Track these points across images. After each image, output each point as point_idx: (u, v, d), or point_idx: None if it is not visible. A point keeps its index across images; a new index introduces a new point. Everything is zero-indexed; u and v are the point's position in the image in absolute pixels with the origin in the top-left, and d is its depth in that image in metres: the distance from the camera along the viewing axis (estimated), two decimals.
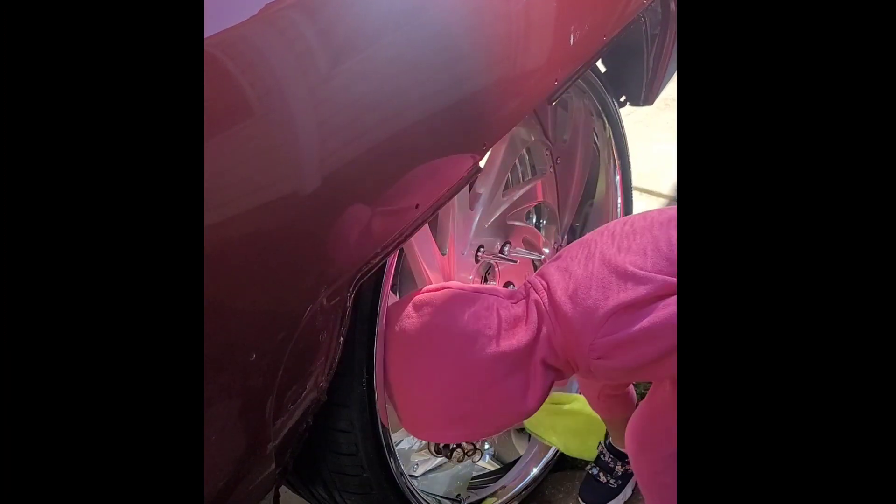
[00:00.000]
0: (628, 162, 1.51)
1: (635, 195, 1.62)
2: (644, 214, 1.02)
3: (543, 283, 0.98)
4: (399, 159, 0.81)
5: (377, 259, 0.81)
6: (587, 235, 1.04)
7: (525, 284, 1.00)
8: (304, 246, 0.73)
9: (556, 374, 0.99)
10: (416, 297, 0.97)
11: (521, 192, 1.30)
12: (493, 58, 0.91)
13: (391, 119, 0.78)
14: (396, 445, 1.20)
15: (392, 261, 0.94)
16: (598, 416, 1.30)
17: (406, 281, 1.16)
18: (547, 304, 0.96)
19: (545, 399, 1.01)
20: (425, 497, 1.09)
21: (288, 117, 0.66)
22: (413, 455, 1.30)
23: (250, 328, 0.69)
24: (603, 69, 1.48)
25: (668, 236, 0.96)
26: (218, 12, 0.59)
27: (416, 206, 0.84)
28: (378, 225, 0.80)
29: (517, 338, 0.94)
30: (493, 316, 0.94)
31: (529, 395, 0.96)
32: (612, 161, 1.48)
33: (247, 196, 0.64)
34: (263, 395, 0.73)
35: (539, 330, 0.95)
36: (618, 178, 1.50)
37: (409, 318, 0.95)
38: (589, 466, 1.38)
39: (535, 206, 1.49)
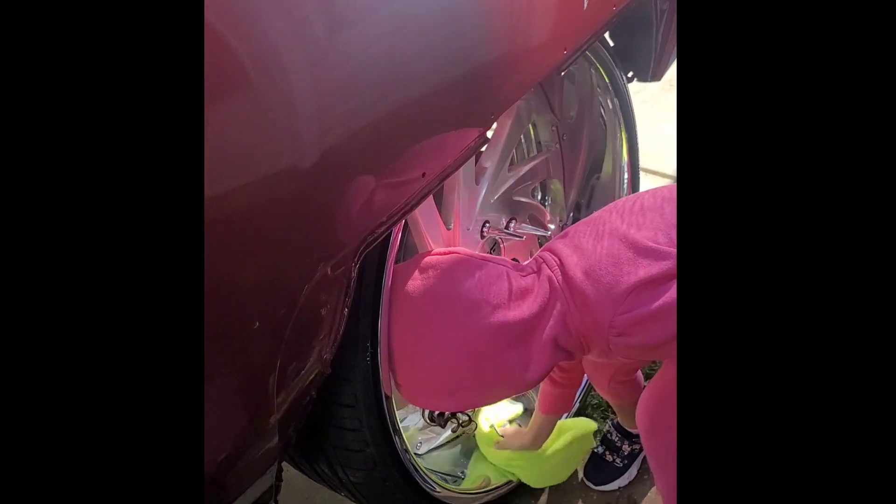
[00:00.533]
0: (635, 136, 1.48)
1: (640, 176, 1.60)
2: (652, 192, 1.00)
3: (555, 258, 0.96)
4: (406, 128, 0.78)
5: (383, 228, 0.79)
6: (593, 214, 1.02)
7: (536, 259, 0.98)
8: (309, 215, 0.71)
9: (566, 355, 0.98)
10: (423, 259, 0.95)
11: (527, 167, 1.28)
12: (502, 27, 0.88)
13: (398, 88, 0.75)
14: (400, 423, 1.19)
15: (397, 233, 0.92)
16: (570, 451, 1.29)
17: (410, 255, 1.14)
18: (561, 281, 0.94)
19: (547, 375, 1.00)
20: (430, 474, 1.08)
21: (291, 87, 0.64)
22: (417, 434, 1.29)
23: (253, 296, 0.67)
24: (611, 43, 1.46)
25: (661, 211, 0.95)
26: None
27: (423, 175, 0.82)
28: (384, 194, 0.78)
29: (522, 309, 0.92)
30: (500, 285, 0.92)
31: (531, 368, 0.94)
32: (619, 136, 1.46)
33: (252, 166, 0.62)
34: (266, 366, 0.71)
35: (551, 307, 0.93)
36: (625, 152, 1.47)
37: (414, 281, 0.93)
38: (595, 446, 1.37)
39: (541, 183, 1.46)
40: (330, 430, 0.95)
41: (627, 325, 0.91)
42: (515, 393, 1.05)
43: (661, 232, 0.93)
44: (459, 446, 1.35)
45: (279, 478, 0.88)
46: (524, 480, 1.28)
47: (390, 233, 0.88)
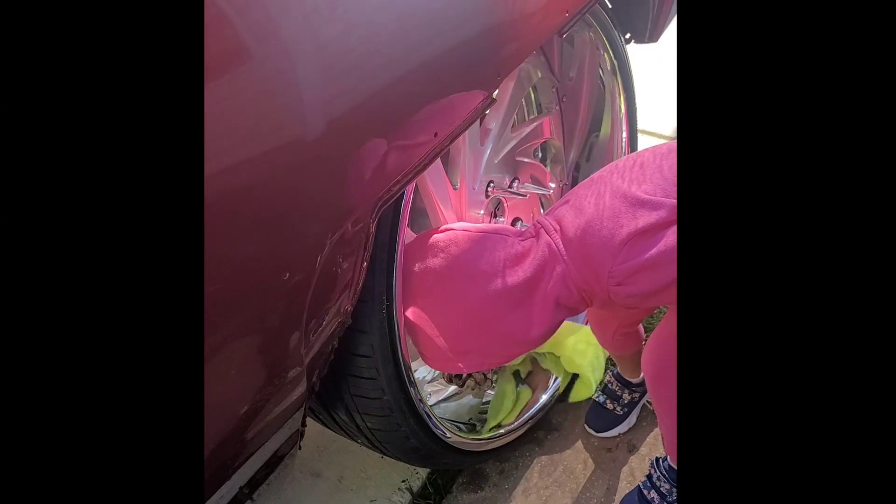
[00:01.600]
0: (633, 95, 1.52)
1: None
2: (651, 149, 1.04)
3: (555, 224, 1.00)
4: (417, 89, 0.82)
5: (398, 186, 0.84)
6: (593, 175, 1.06)
7: (535, 224, 1.03)
8: (331, 174, 0.75)
9: (569, 311, 1.03)
10: (427, 239, 1.02)
11: (530, 128, 1.32)
12: None
13: (409, 51, 0.79)
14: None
15: (409, 193, 0.96)
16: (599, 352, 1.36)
17: (418, 217, 1.19)
18: (560, 245, 0.98)
19: (553, 332, 1.05)
20: (442, 422, 1.14)
21: (308, 55, 0.68)
22: (427, 386, 1.34)
23: (283, 249, 0.72)
24: (609, 5, 1.48)
25: (672, 163, 0.99)
26: None
27: (435, 135, 0.86)
28: (398, 153, 0.82)
29: (517, 274, 0.97)
30: (495, 255, 0.98)
31: (534, 328, 0.99)
32: (617, 95, 1.49)
33: (279, 131, 0.66)
34: (295, 316, 0.76)
35: (550, 269, 0.98)
36: (623, 111, 1.51)
37: (419, 261, 1.01)
38: (596, 395, 1.43)
39: (542, 144, 1.51)
40: (349, 378, 1.01)
41: (626, 275, 0.95)
42: (525, 351, 1.11)
43: (658, 186, 0.96)
44: (466, 398, 1.41)
45: (304, 423, 0.94)
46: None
47: (404, 192, 0.92)
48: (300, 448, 0.99)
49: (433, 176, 1.11)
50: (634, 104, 1.52)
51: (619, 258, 0.95)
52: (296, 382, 0.82)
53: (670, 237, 0.94)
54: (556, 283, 0.98)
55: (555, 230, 1.00)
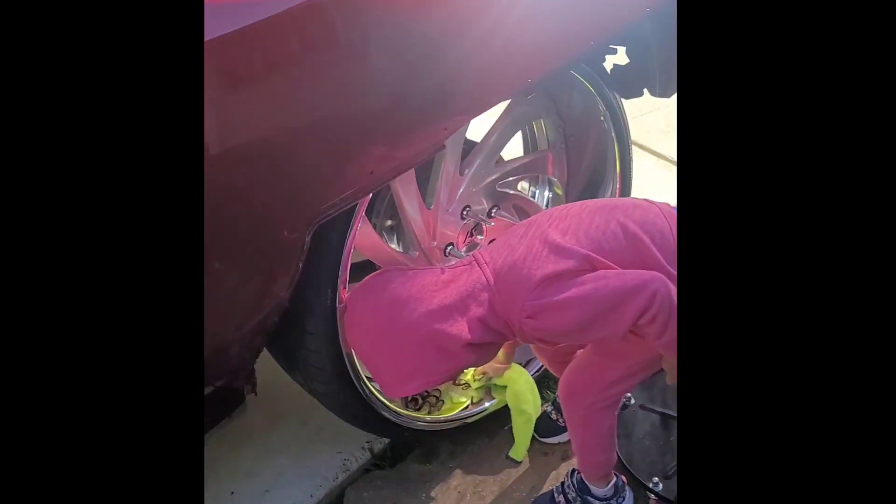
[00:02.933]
0: (627, 148, 1.66)
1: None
2: (581, 203, 1.21)
3: (489, 258, 1.18)
4: (359, 134, 1.05)
5: (333, 210, 1.07)
6: (531, 218, 1.23)
7: (473, 255, 1.20)
8: (278, 187, 1.00)
9: (497, 335, 1.19)
10: (365, 284, 1.20)
11: (513, 166, 1.52)
12: (466, 58, 1.12)
13: (359, 100, 1.02)
14: None
15: (362, 204, 1.18)
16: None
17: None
18: (490, 277, 1.15)
19: (487, 354, 1.22)
20: (380, 395, 1.38)
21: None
22: None
23: (220, 242, 0.97)
24: (626, 60, 1.64)
25: (595, 221, 1.15)
26: None
27: (372, 173, 1.09)
28: (335, 182, 1.05)
29: (446, 294, 1.14)
30: (424, 281, 1.16)
31: (465, 339, 1.14)
32: (612, 146, 1.65)
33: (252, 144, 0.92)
34: (228, 295, 1.02)
35: (479, 294, 1.15)
36: (618, 167, 1.66)
37: (359, 302, 1.19)
38: (546, 406, 1.62)
39: (549, 180, 1.69)
40: (300, 350, 1.26)
41: (536, 310, 1.12)
42: (463, 366, 1.22)
43: (578, 237, 1.14)
44: None
45: (252, 374, 1.21)
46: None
47: (356, 206, 1.15)
48: (255, 394, 1.26)
49: (407, 195, 1.33)
50: (628, 156, 1.66)
51: (532, 295, 1.12)
52: (227, 348, 1.08)
53: (577, 289, 1.10)
54: (484, 308, 1.15)
55: (486, 263, 1.17)
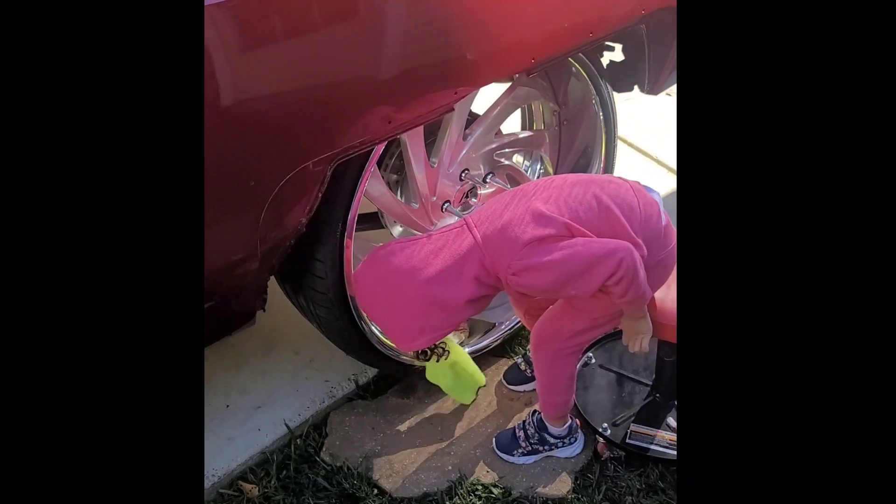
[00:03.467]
0: (613, 136, 1.85)
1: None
2: (564, 175, 1.39)
3: (477, 221, 1.33)
4: (380, 88, 1.22)
5: (353, 151, 1.25)
6: (519, 187, 1.40)
7: (464, 220, 1.36)
8: (308, 124, 1.17)
9: (490, 288, 1.35)
10: (368, 259, 1.35)
11: (510, 139, 1.70)
12: (478, 31, 1.30)
13: (383, 61, 1.19)
14: None
15: (377, 151, 1.36)
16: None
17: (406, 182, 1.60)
18: (480, 239, 1.31)
19: (481, 304, 1.38)
20: (374, 327, 1.55)
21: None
22: None
23: (258, 162, 1.14)
24: (622, 57, 1.82)
25: (574, 192, 1.33)
26: None
27: (389, 122, 1.26)
28: (358, 126, 1.23)
29: (442, 260, 1.30)
30: (422, 252, 1.31)
31: (464, 296, 1.31)
32: (601, 133, 1.83)
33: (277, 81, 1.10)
34: (258, 210, 1.19)
35: (472, 255, 1.30)
36: (603, 148, 1.84)
37: (364, 277, 1.35)
38: (517, 358, 1.81)
39: (538, 156, 1.87)
40: (307, 275, 1.44)
41: (519, 269, 1.28)
42: (464, 316, 1.38)
43: (553, 203, 1.31)
44: None
45: (265, 291, 1.38)
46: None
47: (371, 151, 1.33)
48: (264, 311, 1.43)
49: (415, 151, 1.50)
50: (613, 142, 1.85)
51: (517, 255, 1.28)
52: (252, 258, 1.25)
53: (556, 254, 1.26)
54: (476, 266, 1.31)
55: (475, 227, 1.33)
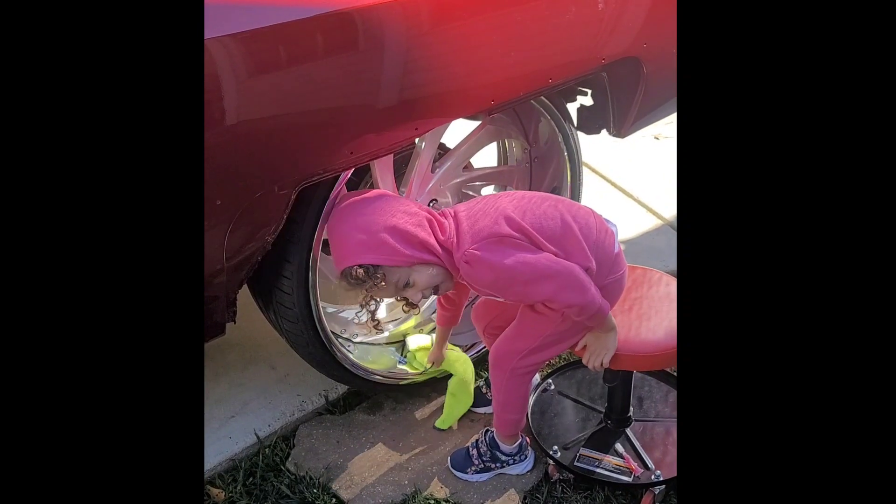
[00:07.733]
0: (578, 172, 1.95)
1: None
2: (532, 192, 1.53)
3: (454, 213, 1.47)
4: (341, 122, 1.34)
5: (316, 178, 1.36)
6: (494, 194, 1.53)
7: (445, 210, 1.49)
8: (273, 152, 1.29)
9: (441, 264, 1.44)
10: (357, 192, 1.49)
11: (479, 174, 1.81)
12: (439, 72, 1.42)
13: (346, 97, 1.32)
14: (340, 313, 1.78)
15: (343, 178, 1.47)
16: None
17: None
18: (452, 225, 1.44)
19: (432, 274, 1.46)
20: (338, 342, 1.66)
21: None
22: (355, 327, 1.86)
23: (224, 184, 1.26)
24: (590, 102, 1.94)
25: (542, 206, 1.45)
26: None
27: (351, 153, 1.38)
28: (321, 156, 1.35)
29: (413, 221, 1.40)
30: (404, 203, 1.44)
31: (422, 243, 1.39)
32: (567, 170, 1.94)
33: (244, 119, 1.22)
34: (224, 227, 1.31)
35: (440, 225, 1.44)
36: (569, 181, 1.95)
37: (348, 197, 1.46)
38: (479, 382, 1.89)
39: (508, 190, 1.98)
40: (275, 291, 1.55)
41: (471, 259, 1.40)
42: (412, 271, 1.44)
43: (521, 210, 1.43)
44: (387, 350, 1.92)
45: (234, 304, 1.49)
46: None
47: (338, 177, 1.44)
48: (234, 322, 1.54)
49: (384, 179, 1.62)
50: (578, 173, 1.96)
51: (475, 245, 1.39)
52: (220, 271, 1.37)
53: (510, 259, 1.38)
54: (438, 235, 1.42)
55: (451, 216, 1.46)
